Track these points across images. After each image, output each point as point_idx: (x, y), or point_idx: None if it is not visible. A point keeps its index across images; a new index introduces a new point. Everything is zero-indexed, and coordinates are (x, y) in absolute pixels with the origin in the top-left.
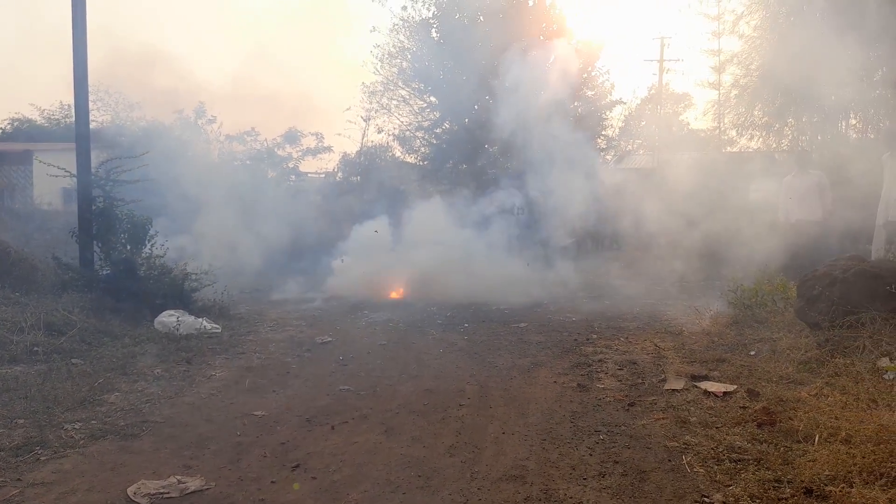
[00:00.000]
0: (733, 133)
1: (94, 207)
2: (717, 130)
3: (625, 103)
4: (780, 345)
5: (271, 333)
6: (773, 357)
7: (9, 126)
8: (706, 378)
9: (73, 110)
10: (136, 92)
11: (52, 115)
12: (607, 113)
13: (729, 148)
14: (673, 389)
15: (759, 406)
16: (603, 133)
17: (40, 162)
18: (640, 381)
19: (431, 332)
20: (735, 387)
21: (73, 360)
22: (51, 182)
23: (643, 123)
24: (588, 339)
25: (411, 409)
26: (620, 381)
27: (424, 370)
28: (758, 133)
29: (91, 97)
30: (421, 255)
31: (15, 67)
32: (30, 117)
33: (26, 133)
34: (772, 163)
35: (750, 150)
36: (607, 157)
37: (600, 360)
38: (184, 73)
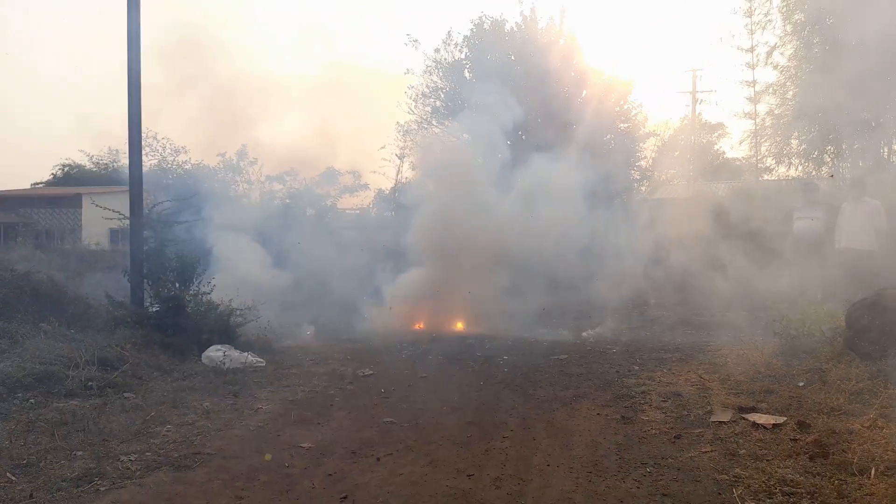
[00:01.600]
0: (771, 161)
1: (145, 248)
2: (754, 159)
3: (658, 135)
4: (830, 375)
5: (314, 367)
6: (823, 388)
7: (59, 171)
8: (754, 410)
9: (119, 155)
10: (181, 136)
11: (101, 160)
12: (641, 144)
13: (766, 176)
14: (720, 421)
15: (810, 438)
16: (637, 164)
17: (95, 205)
18: (685, 412)
19: (471, 365)
20: (784, 418)
21: (126, 395)
22: (99, 223)
23: (677, 153)
24: (630, 371)
25: (455, 441)
26: (665, 413)
27: (466, 402)
28: (797, 161)
29: None
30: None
31: (66, 114)
32: (79, 163)
33: (75, 178)
34: (814, 190)
35: (789, 178)
36: (641, 187)
37: (643, 392)
38: (228, 121)
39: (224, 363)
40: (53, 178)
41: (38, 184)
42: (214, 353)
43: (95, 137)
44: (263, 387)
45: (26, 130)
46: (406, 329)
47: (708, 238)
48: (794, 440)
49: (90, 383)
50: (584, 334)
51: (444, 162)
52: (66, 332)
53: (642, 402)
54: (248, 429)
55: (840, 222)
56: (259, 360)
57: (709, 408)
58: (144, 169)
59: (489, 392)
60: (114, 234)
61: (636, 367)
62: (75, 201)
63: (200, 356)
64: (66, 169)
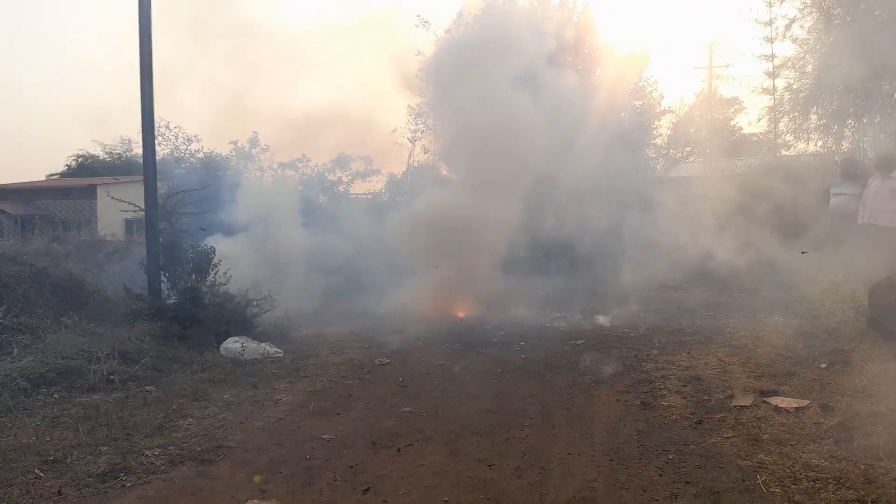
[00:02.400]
0: (789, 137)
1: (160, 239)
2: (772, 135)
3: (673, 111)
4: (853, 356)
5: (331, 356)
6: (846, 370)
7: (74, 162)
8: (775, 393)
9: (132, 145)
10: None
11: (114, 149)
12: (656, 122)
13: (784, 152)
14: (741, 406)
15: (834, 421)
16: (652, 142)
17: (111, 198)
18: (705, 397)
19: (488, 352)
20: (807, 402)
21: (147, 388)
22: (114, 213)
23: (692, 130)
24: (648, 356)
25: (474, 430)
26: (685, 398)
27: (484, 390)
28: (816, 136)
29: None
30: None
31: (79, 104)
32: (93, 153)
33: (90, 168)
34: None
35: (807, 154)
36: (657, 165)
37: (663, 377)
38: (237, 103)
39: (242, 354)
40: (68, 169)
41: (53, 175)
42: (232, 344)
43: (108, 127)
44: (282, 378)
45: (40, 122)
46: (422, 315)
47: (731, 217)
48: (818, 424)
49: (112, 377)
50: (601, 318)
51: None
52: (87, 325)
53: (662, 387)
54: (268, 421)
55: (865, 197)
56: (277, 350)
57: (730, 392)
58: (157, 158)
59: (507, 379)
60: (128, 224)
61: (655, 352)
62: (90, 192)
63: (219, 348)
64: (80, 160)
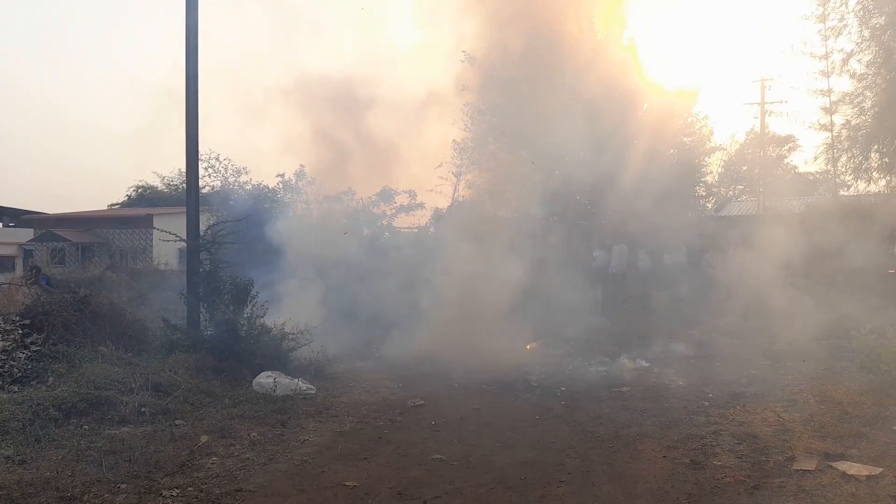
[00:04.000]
0: (849, 177)
1: (200, 270)
2: (830, 174)
3: (724, 149)
4: None
5: (364, 395)
6: None
7: (134, 193)
8: (843, 457)
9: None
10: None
11: (172, 181)
12: (706, 159)
13: (844, 192)
14: (804, 470)
15: None
16: (702, 180)
17: (156, 229)
18: (763, 458)
19: (526, 397)
20: (881, 469)
21: (177, 422)
22: (169, 243)
23: (744, 168)
24: (699, 408)
25: (507, 485)
26: (740, 457)
27: (520, 439)
28: (877, 175)
29: (202, 164)
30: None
31: (142, 137)
32: (152, 184)
33: (148, 199)
34: None
35: (869, 194)
36: (707, 204)
37: (715, 433)
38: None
39: (274, 390)
40: (128, 199)
41: (114, 205)
42: (265, 379)
43: (168, 159)
44: (312, 416)
45: (104, 152)
46: (458, 354)
47: (786, 259)
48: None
49: (143, 409)
50: (648, 364)
51: None
52: (124, 355)
53: (713, 443)
54: (292, 463)
55: None
56: (310, 386)
57: (790, 453)
58: (208, 190)
59: (545, 428)
60: (181, 253)
61: (706, 403)
62: (147, 221)
63: (252, 382)
64: (139, 190)
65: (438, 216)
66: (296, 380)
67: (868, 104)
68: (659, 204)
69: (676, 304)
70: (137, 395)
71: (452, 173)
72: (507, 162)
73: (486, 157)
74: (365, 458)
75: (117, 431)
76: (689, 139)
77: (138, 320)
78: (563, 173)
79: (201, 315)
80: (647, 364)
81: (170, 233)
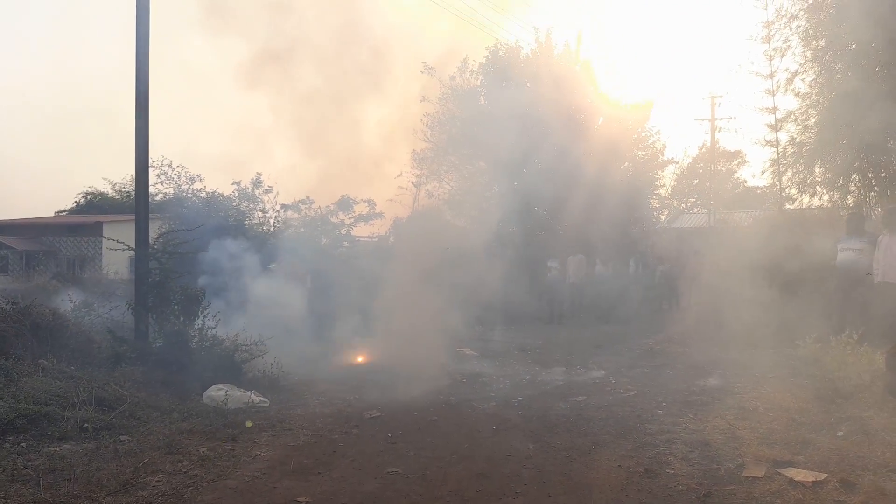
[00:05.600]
0: (794, 191)
1: (150, 279)
2: (777, 188)
3: (677, 162)
4: (872, 425)
5: (319, 407)
6: (867, 440)
7: (83, 199)
8: (790, 464)
9: None
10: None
11: (123, 188)
12: (659, 172)
13: (789, 205)
14: (753, 477)
15: (857, 499)
16: (655, 193)
17: (105, 238)
18: (714, 465)
19: (484, 407)
20: (826, 475)
21: (122, 437)
22: (119, 252)
23: (696, 181)
24: (653, 416)
25: (463, 497)
26: (692, 465)
27: (477, 450)
28: (821, 190)
29: (154, 171)
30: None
31: (89, 143)
32: (102, 190)
33: (98, 206)
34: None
35: (812, 207)
36: (661, 216)
37: (668, 441)
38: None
39: (226, 403)
40: (77, 205)
41: (61, 212)
42: (216, 392)
43: (119, 165)
44: (264, 430)
45: (52, 158)
46: (415, 365)
47: (733, 269)
48: (839, 501)
49: (86, 425)
50: (603, 373)
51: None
52: (66, 368)
53: (667, 452)
54: (242, 479)
55: (877, 256)
56: (263, 399)
57: (740, 460)
58: (161, 198)
59: (502, 438)
60: (132, 262)
61: (659, 412)
62: (96, 229)
63: (202, 395)
64: (88, 197)
65: (398, 225)
66: (248, 392)
67: (812, 122)
68: (614, 215)
69: (631, 314)
70: (80, 410)
71: (412, 183)
72: (466, 173)
73: (445, 167)
74: (319, 473)
75: (57, 449)
76: (643, 153)
77: (83, 332)
78: (521, 184)
79: (150, 326)
80: (602, 373)
81: (118, 241)
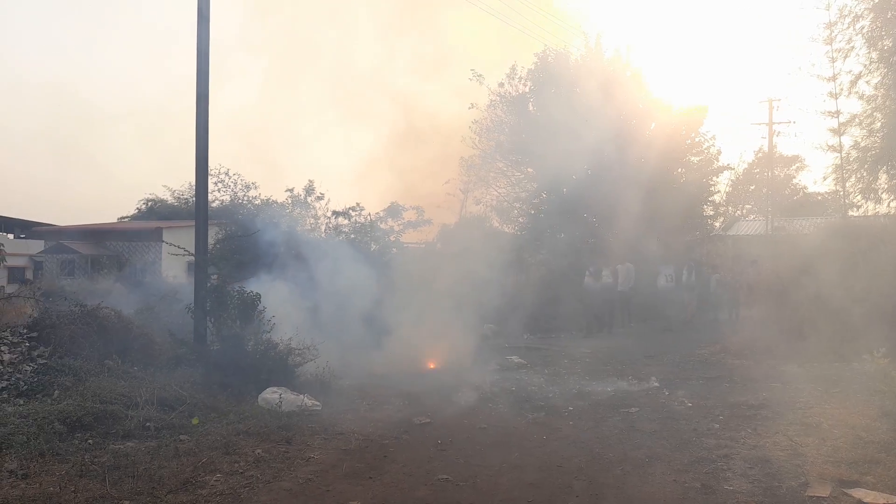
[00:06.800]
0: (858, 197)
1: (208, 284)
2: (839, 195)
3: (732, 168)
4: None
5: (369, 412)
6: None
7: (144, 206)
8: (858, 484)
9: None
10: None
11: (182, 194)
12: (714, 178)
13: (852, 213)
14: (818, 497)
15: None
16: (710, 199)
17: (165, 243)
18: (775, 483)
19: (533, 415)
20: None
21: (181, 437)
22: (178, 256)
23: (752, 188)
24: (709, 430)
25: None
26: (752, 482)
27: (527, 459)
28: (887, 196)
29: (212, 179)
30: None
31: (152, 151)
32: (162, 197)
33: (158, 212)
34: None
35: (878, 214)
36: (715, 223)
37: (725, 456)
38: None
39: (280, 406)
40: (138, 212)
41: (124, 218)
42: (271, 395)
43: (179, 172)
44: (317, 433)
45: (117, 166)
46: (464, 371)
47: (792, 278)
48: None
49: (148, 424)
50: (656, 385)
51: None
52: (130, 369)
53: (725, 467)
54: (296, 482)
55: None
56: (315, 402)
57: (804, 479)
58: (217, 204)
59: (553, 448)
60: (191, 266)
61: (716, 426)
62: (156, 235)
63: (257, 398)
64: (149, 203)
65: (446, 231)
66: (301, 395)
67: (877, 125)
68: (667, 222)
69: (685, 324)
70: (143, 409)
71: (460, 190)
72: (514, 179)
73: (493, 174)
74: (370, 478)
75: (121, 446)
76: (697, 158)
77: (145, 334)
78: (570, 191)
79: (208, 329)
80: (656, 384)
81: (178, 247)
